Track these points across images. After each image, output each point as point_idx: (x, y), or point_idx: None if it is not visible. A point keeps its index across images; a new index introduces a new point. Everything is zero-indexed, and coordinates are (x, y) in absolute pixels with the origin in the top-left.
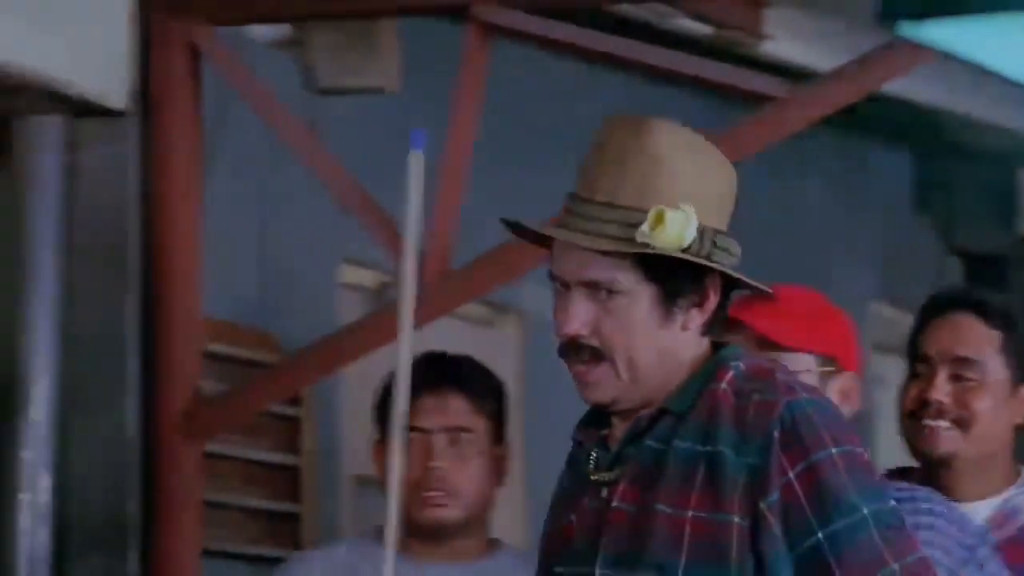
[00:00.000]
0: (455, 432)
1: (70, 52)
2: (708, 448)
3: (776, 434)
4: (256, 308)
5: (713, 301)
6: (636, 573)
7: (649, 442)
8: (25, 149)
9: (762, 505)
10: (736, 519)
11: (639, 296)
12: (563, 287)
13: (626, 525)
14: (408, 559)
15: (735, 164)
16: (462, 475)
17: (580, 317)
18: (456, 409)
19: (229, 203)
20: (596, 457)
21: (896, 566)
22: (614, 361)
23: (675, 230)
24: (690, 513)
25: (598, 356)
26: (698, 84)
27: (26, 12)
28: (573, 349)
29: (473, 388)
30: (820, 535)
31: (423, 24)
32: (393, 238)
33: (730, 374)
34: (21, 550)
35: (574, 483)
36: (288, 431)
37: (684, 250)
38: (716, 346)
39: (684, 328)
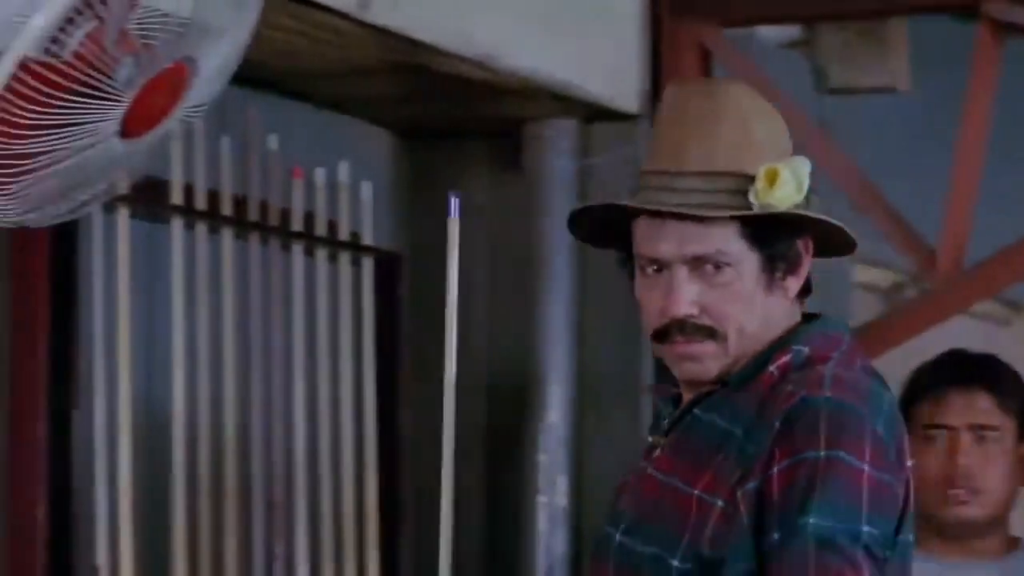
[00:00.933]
0: (981, 430)
1: (581, 56)
2: (734, 428)
3: (777, 425)
4: None
5: (807, 264)
6: (642, 546)
7: (697, 411)
8: (538, 153)
9: (739, 492)
10: (719, 503)
11: (746, 266)
12: (656, 268)
13: (651, 495)
14: (928, 557)
15: None
16: (987, 473)
17: (689, 296)
18: (983, 407)
19: None
20: (666, 418)
21: None
22: (726, 337)
23: (791, 186)
24: (696, 492)
25: (709, 334)
26: None
27: (537, 18)
28: (677, 329)
29: (1000, 387)
30: (776, 535)
31: (930, 22)
32: (907, 238)
33: (786, 358)
34: (540, 551)
35: (646, 441)
36: None
37: (795, 206)
38: (806, 317)
39: (784, 296)
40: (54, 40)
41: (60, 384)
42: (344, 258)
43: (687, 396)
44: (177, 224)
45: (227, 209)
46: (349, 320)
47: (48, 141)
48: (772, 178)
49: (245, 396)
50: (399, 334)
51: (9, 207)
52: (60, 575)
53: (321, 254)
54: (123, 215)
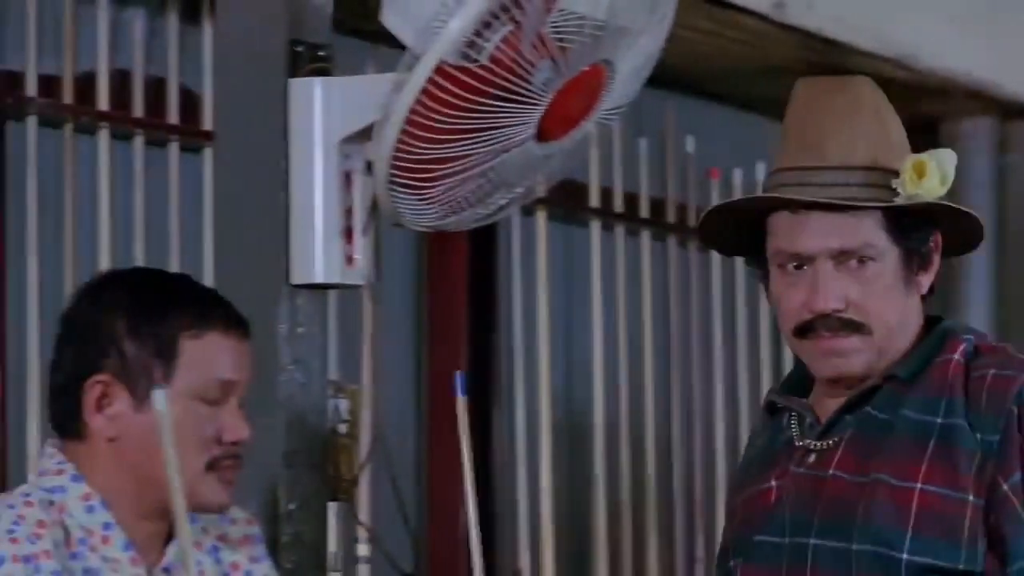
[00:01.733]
0: None
1: (997, 54)
2: (941, 420)
3: (1014, 410)
4: None
5: (937, 262)
6: (855, 544)
7: (870, 410)
8: (956, 151)
9: (1005, 486)
10: (971, 498)
11: (888, 260)
12: (797, 264)
13: (845, 494)
14: None
15: None
16: None
17: (837, 291)
18: None
19: None
20: (807, 422)
21: None
22: (872, 332)
23: (937, 178)
24: (919, 486)
25: (856, 328)
26: None
27: (954, 16)
28: (822, 324)
29: None
30: None
31: None
32: None
33: (963, 347)
34: None
35: (770, 448)
36: None
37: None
38: (927, 319)
39: (918, 292)
40: (471, 45)
41: (480, 385)
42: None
43: (828, 396)
44: (595, 226)
45: (645, 211)
46: (768, 321)
47: (466, 145)
48: (920, 170)
49: (664, 395)
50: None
51: (428, 211)
52: None
53: (741, 256)
54: (541, 218)
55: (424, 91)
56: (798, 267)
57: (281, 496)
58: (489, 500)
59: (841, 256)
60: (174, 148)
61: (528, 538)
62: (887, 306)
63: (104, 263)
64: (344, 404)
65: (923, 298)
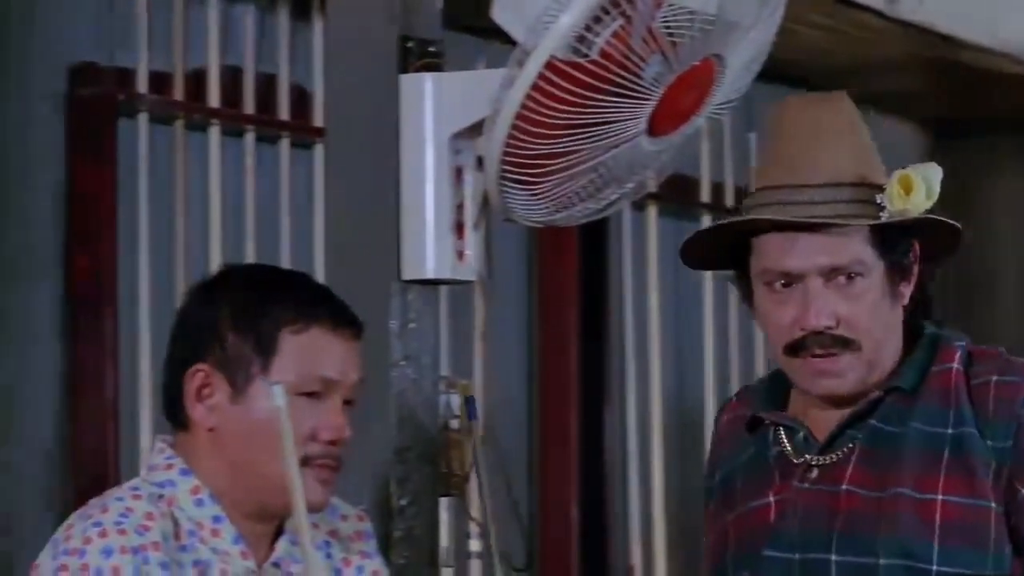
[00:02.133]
0: None
1: None
2: (951, 430)
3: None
4: None
5: (916, 271)
6: (882, 559)
7: (877, 423)
8: None
9: (1023, 490)
10: (992, 505)
11: (875, 274)
12: (784, 283)
13: (863, 509)
14: None
15: None
16: None
17: (826, 308)
18: None
19: None
20: (800, 436)
21: None
22: (862, 347)
23: (923, 193)
24: (940, 497)
25: (845, 345)
26: None
27: None
28: (814, 341)
29: None
30: None
31: None
32: None
33: (958, 354)
34: None
35: (759, 463)
36: None
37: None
38: (909, 324)
39: (901, 302)
40: (581, 40)
41: (591, 382)
42: None
43: (819, 410)
44: (706, 221)
45: None
46: None
47: (576, 141)
48: (907, 185)
49: None
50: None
51: (538, 207)
52: (594, 573)
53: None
54: (652, 213)
55: (534, 86)
56: (786, 285)
57: (393, 492)
58: (602, 499)
59: (831, 273)
60: (285, 144)
61: (640, 535)
62: (875, 320)
63: (215, 260)
64: (456, 400)
65: (904, 308)
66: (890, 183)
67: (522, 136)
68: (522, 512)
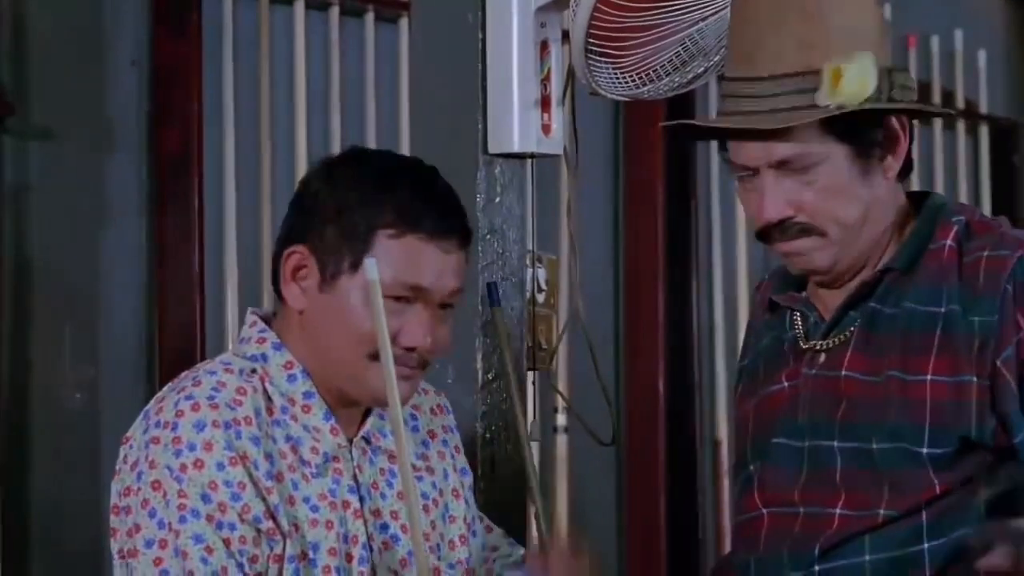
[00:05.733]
0: None
1: None
2: (945, 308)
3: (1009, 288)
4: None
5: (904, 143)
6: (875, 443)
7: (874, 304)
8: None
9: (998, 362)
10: (975, 379)
11: (835, 160)
12: (748, 174)
13: (861, 394)
14: None
15: None
16: None
17: (782, 198)
18: None
19: None
20: (811, 321)
21: None
22: (825, 232)
23: (856, 82)
24: (929, 378)
25: (807, 231)
26: None
27: None
28: (778, 231)
29: None
30: None
31: None
32: None
33: (954, 230)
34: None
35: (776, 347)
36: None
37: (867, 99)
38: (912, 196)
39: (885, 177)
40: None
41: (677, 258)
42: (960, 127)
43: (830, 292)
44: None
45: None
46: (965, 189)
47: (662, 13)
48: (836, 77)
49: None
50: (1017, 203)
51: (624, 80)
52: (681, 447)
53: (937, 123)
54: None
55: None
56: (751, 175)
57: (479, 366)
58: (687, 371)
59: (783, 164)
60: (370, 18)
61: (727, 410)
62: (840, 205)
63: (300, 135)
64: (542, 274)
65: (903, 175)
66: (823, 75)
67: (608, 9)
68: (608, 387)
